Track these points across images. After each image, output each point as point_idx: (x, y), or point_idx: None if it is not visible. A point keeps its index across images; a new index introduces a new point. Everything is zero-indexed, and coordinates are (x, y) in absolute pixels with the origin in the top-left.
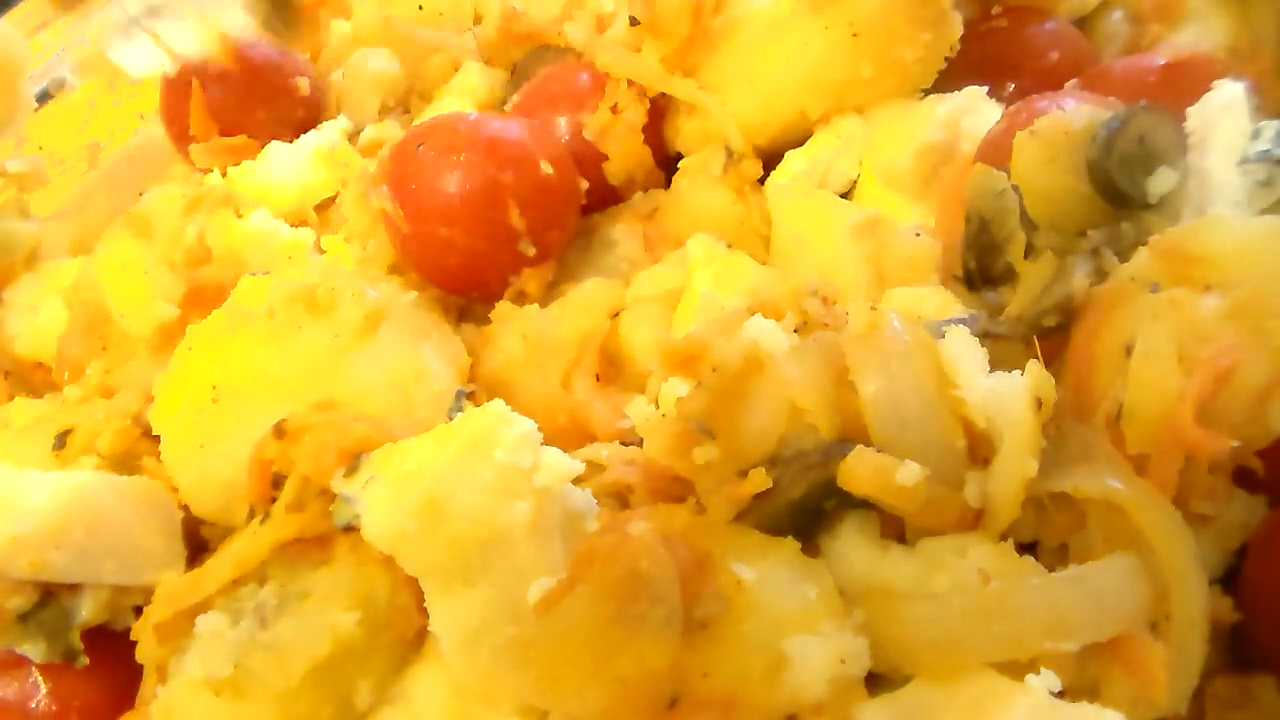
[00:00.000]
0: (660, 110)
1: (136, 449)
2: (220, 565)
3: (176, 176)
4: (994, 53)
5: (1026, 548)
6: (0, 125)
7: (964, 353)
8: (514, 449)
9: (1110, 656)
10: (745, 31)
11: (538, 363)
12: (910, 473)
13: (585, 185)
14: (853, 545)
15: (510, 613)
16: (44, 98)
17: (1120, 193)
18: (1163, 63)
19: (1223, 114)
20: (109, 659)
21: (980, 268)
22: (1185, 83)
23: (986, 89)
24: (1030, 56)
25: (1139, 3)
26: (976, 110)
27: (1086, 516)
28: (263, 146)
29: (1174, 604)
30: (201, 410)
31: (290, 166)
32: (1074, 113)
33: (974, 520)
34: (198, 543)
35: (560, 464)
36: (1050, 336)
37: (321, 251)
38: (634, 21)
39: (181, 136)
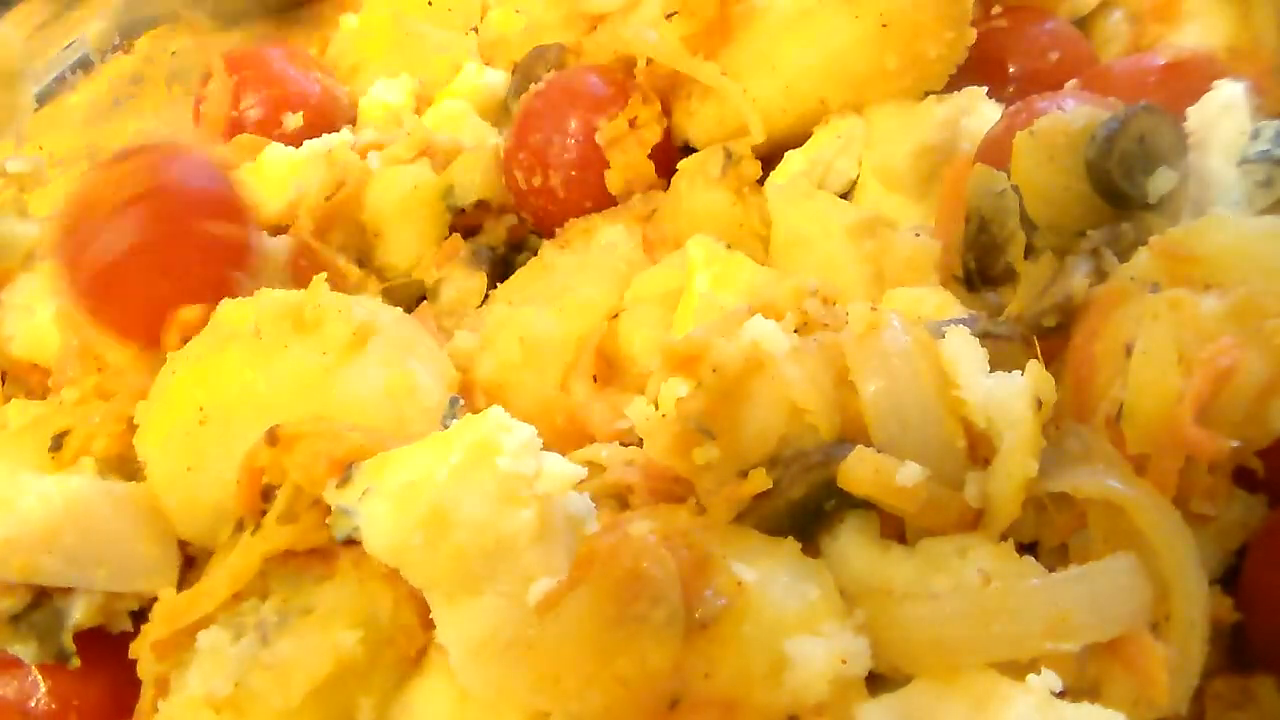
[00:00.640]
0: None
1: (131, 453)
2: (215, 583)
3: None
4: (994, 53)
5: (1026, 548)
6: (0, 125)
7: (964, 353)
8: (516, 456)
9: (1111, 656)
10: (771, 17)
11: (535, 365)
12: (910, 473)
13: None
14: (853, 545)
15: (517, 621)
16: (44, 98)
17: (1120, 193)
18: (1163, 63)
19: (1223, 114)
20: (108, 660)
21: (980, 268)
22: (1185, 83)
23: (986, 89)
24: (1030, 56)
25: (1139, 3)
26: (976, 110)
27: (1086, 516)
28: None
29: (1174, 604)
30: (188, 433)
31: (287, 168)
32: (1074, 113)
33: (974, 520)
34: (186, 557)
35: (562, 470)
36: (1050, 336)
37: (302, 262)
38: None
39: (222, 131)
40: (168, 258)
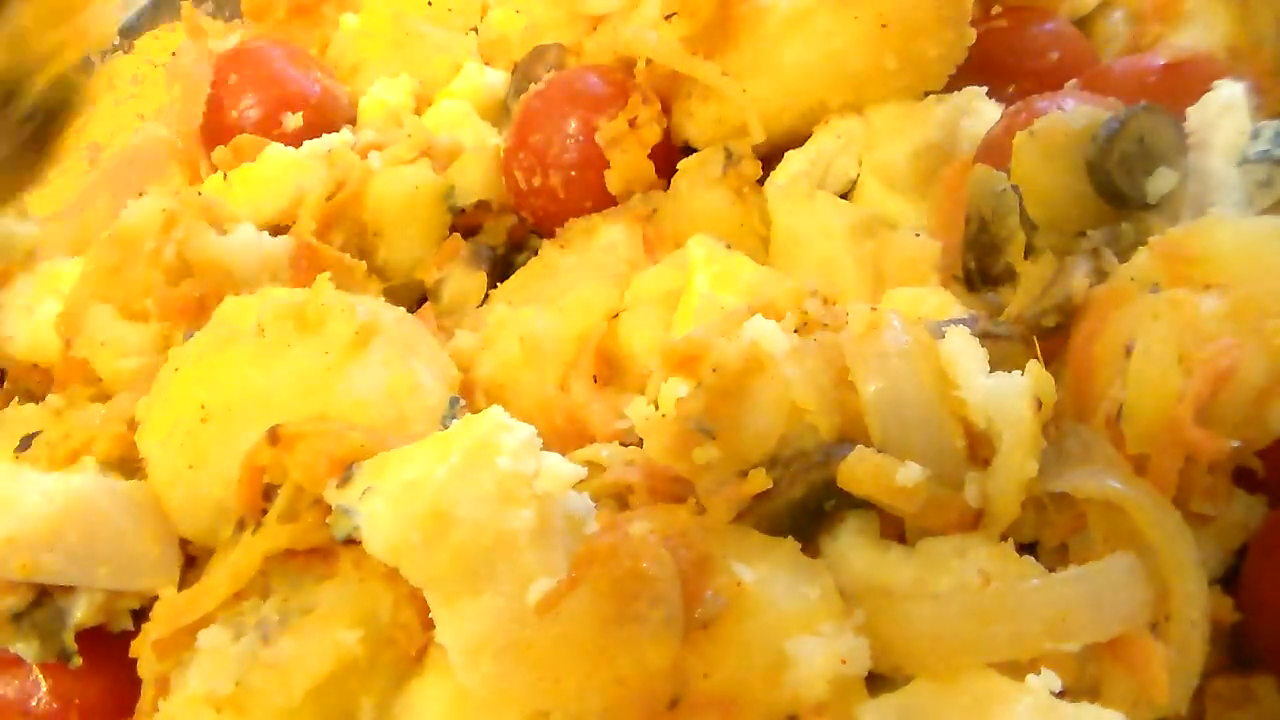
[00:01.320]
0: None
1: (133, 454)
2: (216, 581)
3: (173, 177)
4: (994, 53)
5: (1026, 548)
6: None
7: (964, 353)
8: (516, 456)
9: (1111, 656)
10: (771, 18)
11: (535, 365)
12: (910, 473)
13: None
14: (853, 545)
15: (516, 620)
16: None
17: (1120, 193)
18: (1163, 63)
19: (1223, 114)
20: (109, 659)
21: (980, 268)
22: (1185, 83)
23: (986, 89)
24: (1030, 56)
25: (1139, 3)
26: (975, 110)
27: (1086, 516)
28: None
29: (1174, 604)
30: (190, 431)
31: (287, 168)
32: (1074, 113)
33: (974, 520)
34: (187, 556)
35: (562, 469)
36: (1050, 336)
37: (303, 262)
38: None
39: (215, 138)
40: None
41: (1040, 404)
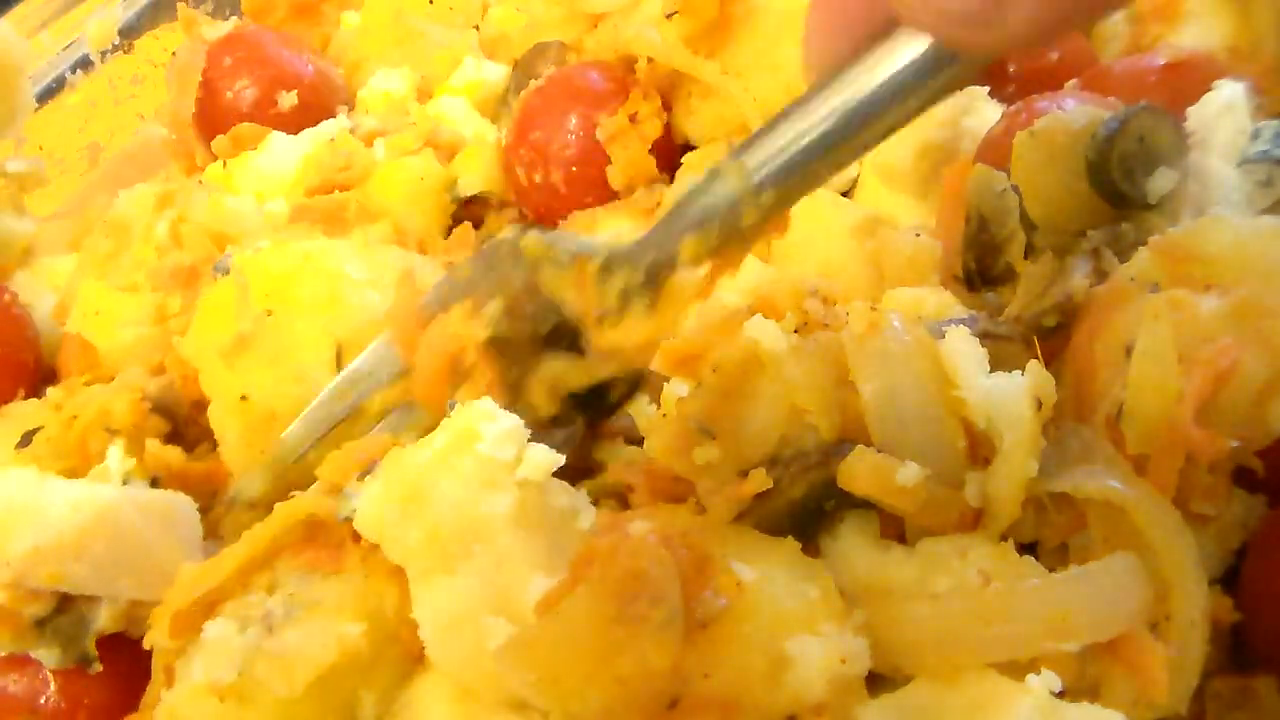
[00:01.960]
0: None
1: (145, 425)
2: (235, 549)
3: (172, 176)
4: None
5: (1026, 548)
6: (0, 125)
7: (964, 353)
8: (496, 442)
9: (1110, 656)
10: (771, 17)
11: None
12: (910, 473)
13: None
14: (853, 545)
15: (491, 604)
16: (44, 98)
17: (1120, 193)
18: (1163, 63)
19: (1223, 114)
20: (119, 660)
21: (980, 268)
22: (1185, 83)
23: (987, 89)
24: (1030, 56)
25: (1139, 3)
26: (976, 110)
27: (1086, 516)
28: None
29: (1174, 604)
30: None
31: (290, 158)
32: (1074, 113)
33: (974, 520)
34: None
35: (542, 458)
36: (1050, 336)
37: (302, 215)
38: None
39: (210, 124)
40: None
41: (1040, 404)
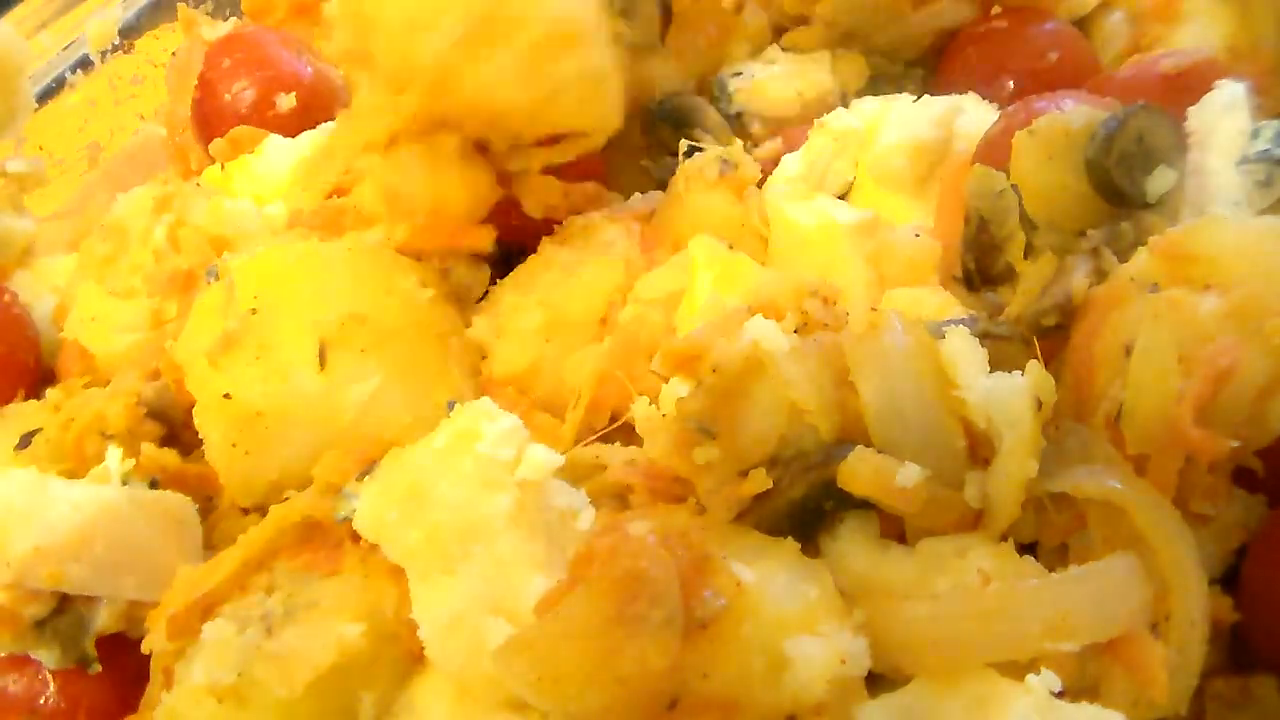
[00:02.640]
0: None
1: (141, 430)
2: (231, 552)
3: (171, 178)
4: (994, 53)
5: (1026, 548)
6: (0, 125)
7: (964, 353)
8: (496, 443)
9: (1110, 656)
10: None
11: (559, 341)
12: (910, 474)
13: None
14: (853, 545)
15: (491, 604)
16: (44, 98)
17: (1119, 192)
18: (1163, 74)
19: (1223, 114)
20: (119, 660)
21: (980, 268)
22: (1185, 83)
23: (982, 91)
24: (1030, 57)
25: (1139, 3)
26: (969, 110)
27: (1086, 516)
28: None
29: (1174, 604)
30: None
31: (288, 160)
32: (1073, 112)
33: (974, 520)
34: None
35: (541, 458)
36: (1050, 336)
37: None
38: None
39: (208, 125)
40: None
41: (1040, 404)
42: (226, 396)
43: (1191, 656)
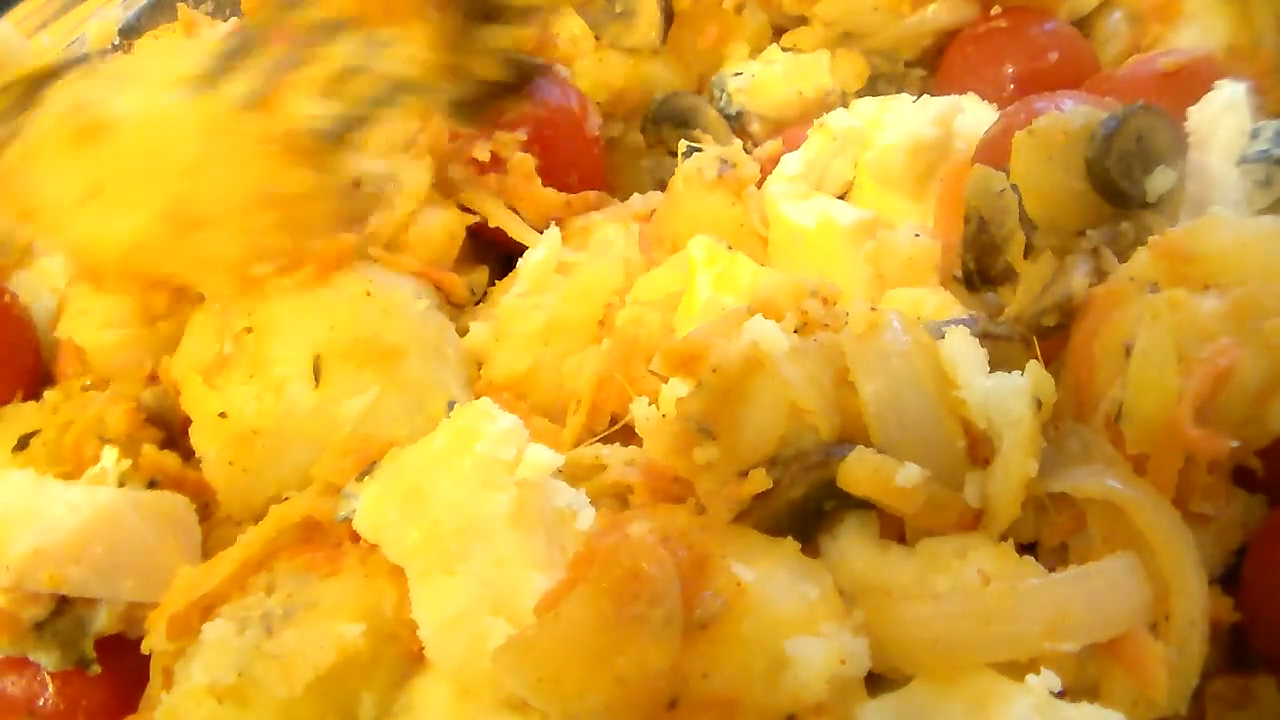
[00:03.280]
0: None
1: (139, 435)
2: (231, 552)
3: None
4: (994, 53)
5: (1026, 548)
6: None
7: (964, 353)
8: (496, 443)
9: (1110, 656)
10: None
11: (557, 343)
12: (910, 474)
13: None
14: (853, 545)
15: (490, 603)
16: None
17: (1119, 192)
18: (1163, 71)
19: (1223, 114)
20: (118, 661)
21: (980, 268)
22: (1184, 81)
23: (982, 90)
24: (1030, 57)
25: (1139, 3)
26: (969, 110)
27: (1086, 516)
28: None
29: (1174, 604)
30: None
31: None
32: (1073, 112)
33: (974, 521)
34: None
35: (541, 458)
36: (1050, 336)
37: None
38: None
39: None
40: None
41: (1040, 404)
42: (222, 415)
43: (1191, 656)
